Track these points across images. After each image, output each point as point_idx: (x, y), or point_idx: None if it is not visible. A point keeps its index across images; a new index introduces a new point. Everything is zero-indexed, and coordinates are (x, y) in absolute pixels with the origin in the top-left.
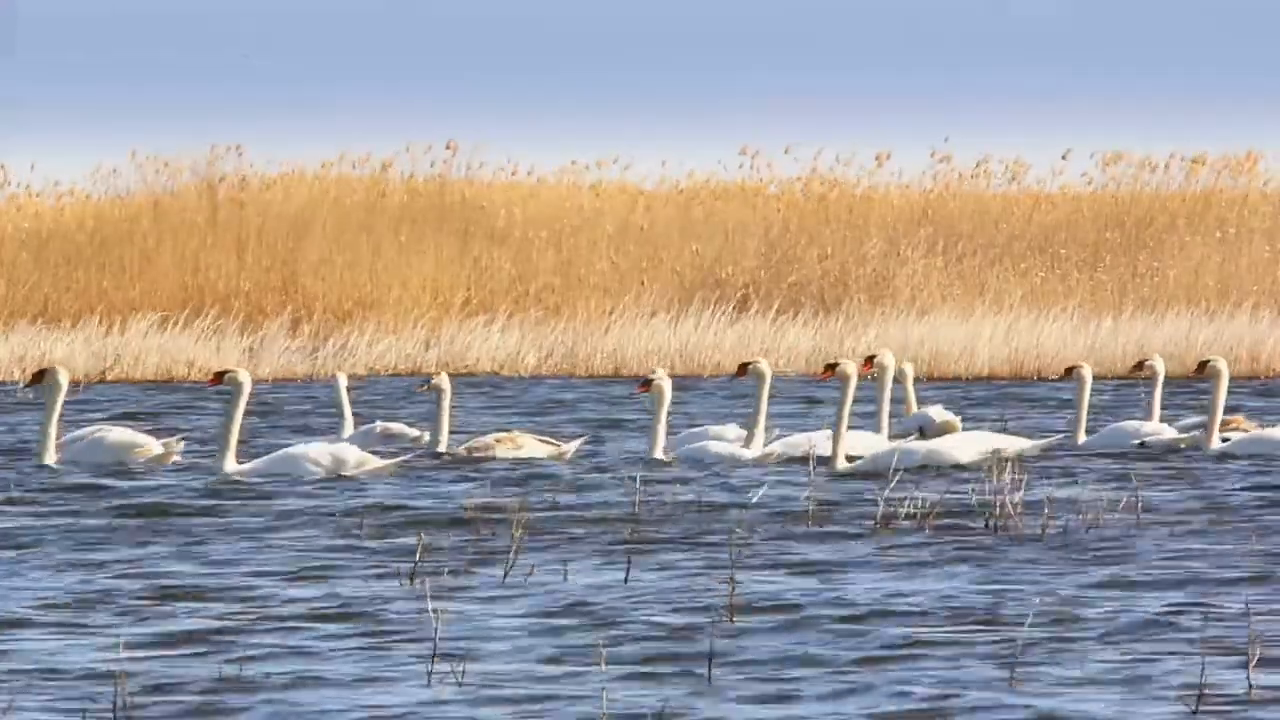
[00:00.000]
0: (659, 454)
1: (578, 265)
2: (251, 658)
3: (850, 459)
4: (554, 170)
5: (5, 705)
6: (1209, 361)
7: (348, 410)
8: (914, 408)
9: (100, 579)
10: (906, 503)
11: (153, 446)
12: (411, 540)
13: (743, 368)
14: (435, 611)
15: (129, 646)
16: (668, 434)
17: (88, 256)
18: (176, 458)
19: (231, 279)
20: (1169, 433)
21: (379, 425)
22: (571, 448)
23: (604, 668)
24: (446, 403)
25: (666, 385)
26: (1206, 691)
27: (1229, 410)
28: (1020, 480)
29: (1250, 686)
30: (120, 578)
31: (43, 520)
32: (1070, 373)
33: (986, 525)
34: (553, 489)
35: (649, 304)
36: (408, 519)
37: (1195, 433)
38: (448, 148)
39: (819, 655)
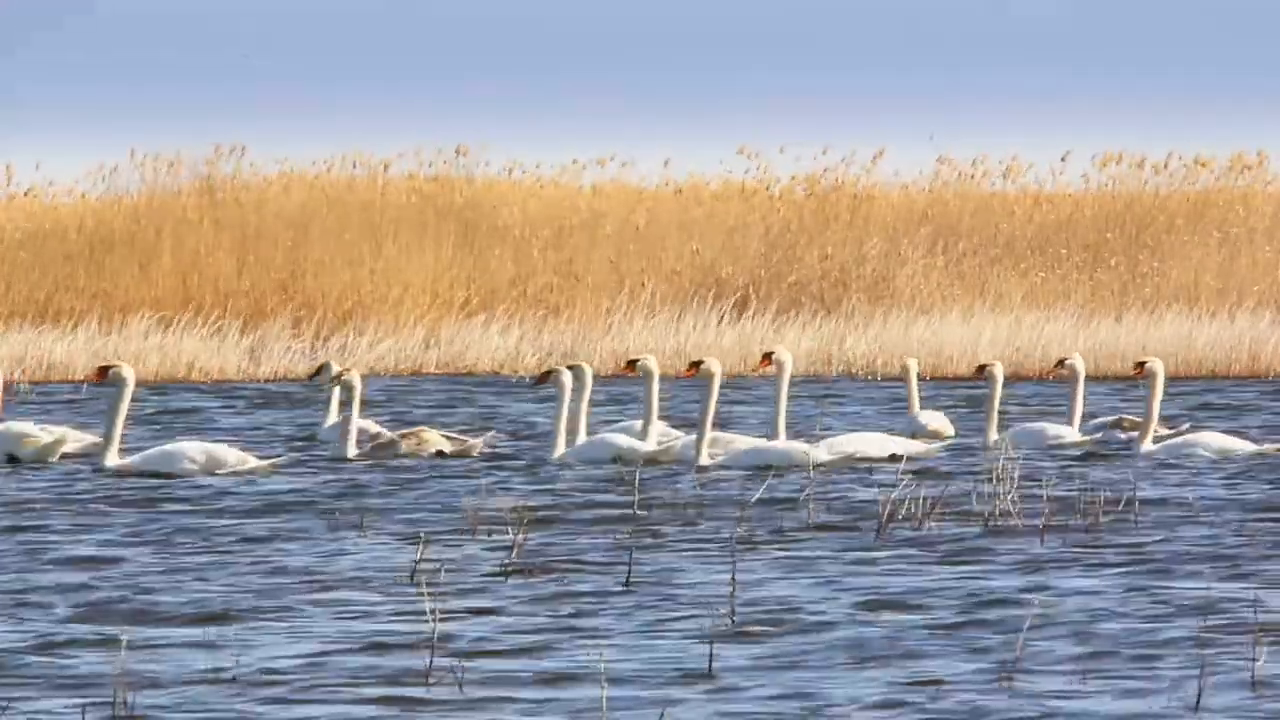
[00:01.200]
0: (559, 452)
1: (578, 265)
2: (250, 657)
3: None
4: (554, 169)
5: (4, 705)
6: (1145, 363)
7: (334, 405)
8: (916, 407)
9: (98, 577)
10: (906, 502)
11: (41, 438)
12: (411, 540)
13: (630, 364)
14: (434, 611)
15: (128, 646)
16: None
17: (88, 256)
18: (67, 447)
19: (231, 279)
20: (1072, 434)
21: (330, 424)
22: (479, 443)
23: (604, 668)
24: (356, 401)
25: (567, 380)
26: (1207, 690)
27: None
28: (1019, 480)
29: (1253, 684)
30: (118, 576)
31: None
32: (982, 370)
33: (986, 524)
34: (553, 489)
35: (649, 304)
36: (407, 519)
37: (1099, 434)
38: (457, 152)
39: (819, 655)
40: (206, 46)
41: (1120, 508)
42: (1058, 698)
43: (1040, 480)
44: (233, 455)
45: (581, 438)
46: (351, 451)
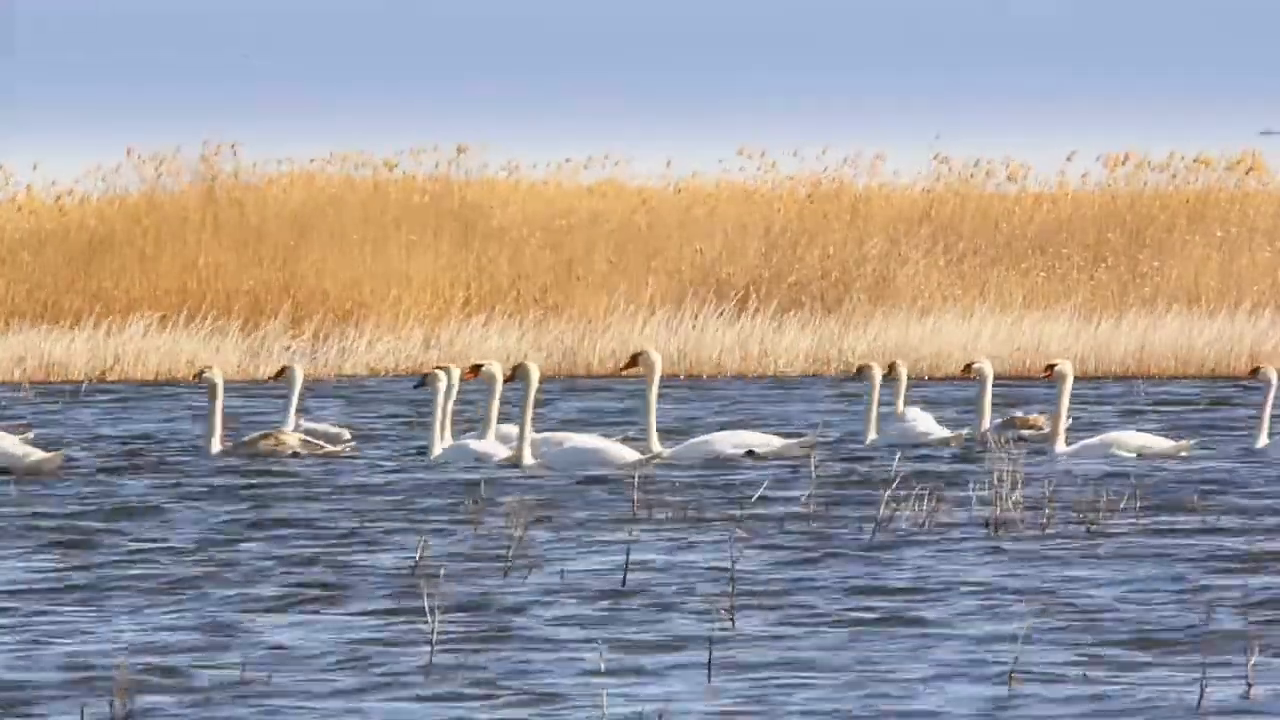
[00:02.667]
0: (436, 453)
1: (577, 265)
2: (250, 657)
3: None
4: (554, 169)
5: (4, 705)
6: (1054, 365)
7: (294, 404)
8: (901, 409)
9: (97, 577)
10: (908, 502)
11: None
12: (411, 540)
13: (475, 369)
14: (434, 611)
15: (126, 645)
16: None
17: (88, 256)
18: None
19: (231, 279)
20: (939, 432)
21: (301, 423)
22: (339, 449)
23: (604, 667)
24: (219, 399)
25: (442, 383)
26: (1206, 690)
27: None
28: (1020, 479)
29: (1250, 686)
30: (118, 576)
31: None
32: (861, 372)
33: (986, 524)
34: (553, 489)
35: (649, 303)
36: (407, 519)
37: (965, 431)
38: (458, 150)
39: (819, 655)
40: (206, 46)
41: (1120, 507)
42: (1058, 698)
43: (1041, 480)
44: (24, 450)
45: (447, 440)
46: (215, 449)
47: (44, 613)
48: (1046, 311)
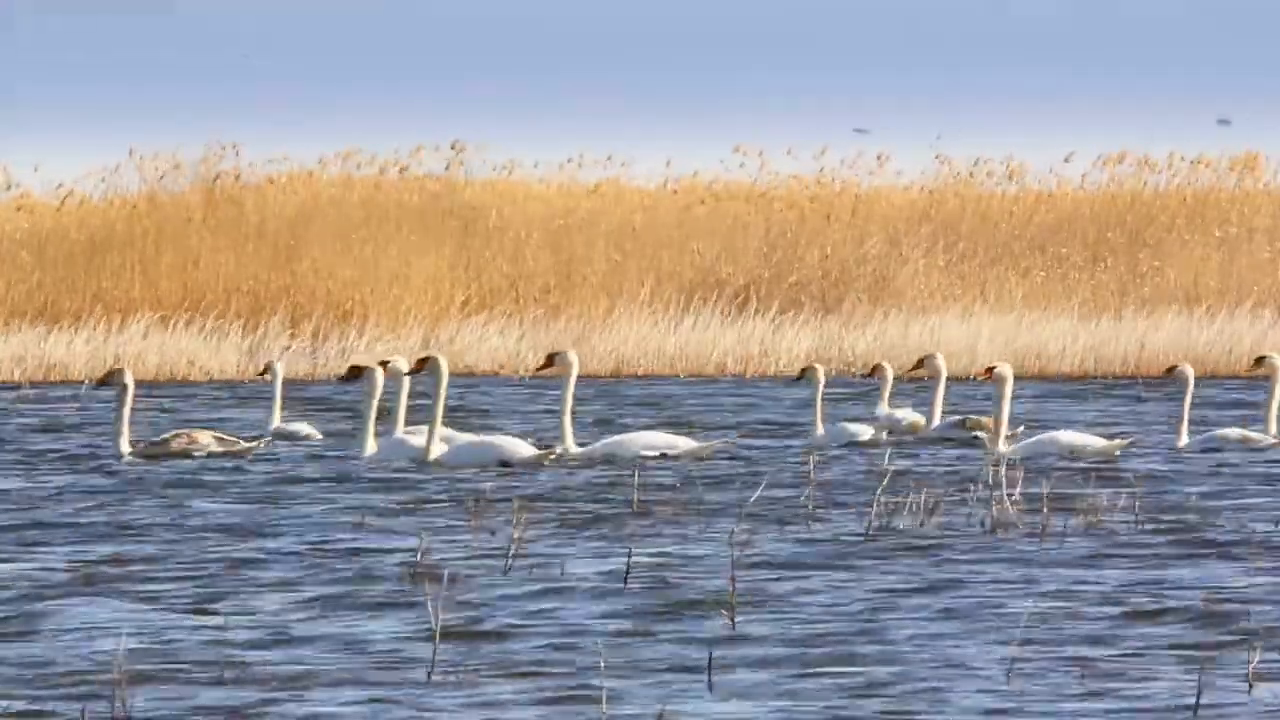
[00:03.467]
0: (369, 450)
1: (577, 265)
2: (251, 656)
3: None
4: (553, 169)
5: (4, 705)
6: (994, 367)
7: (278, 401)
8: (885, 405)
9: (97, 576)
10: (907, 502)
11: None
12: (412, 538)
13: (383, 364)
14: (434, 610)
15: (127, 645)
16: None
17: (88, 256)
18: None
19: (231, 278)
20: (866, 433)
21: (280, 425)
22: (251, 446)
23: (604, 667)
24: (128, 400)
25: (379, 379)
26: (1206, 691)
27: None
28: (1018, 479)
29: (1250, 686)
30: (118, 575)
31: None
32: (804, 373)
33: (984, 524)
34: (552, 488)
35: (649, 304)
36: (407, 517)
37: (882, 434)
38: (452, 148)
39: (818, 655)
40: (206, 46)
41: (1119, 507)
42: (1057, 698)
43: (1039, 480)
44: None
45: (370, 436)
46: (125, 449)
47: (39, 611)
48: (1046, 311)
